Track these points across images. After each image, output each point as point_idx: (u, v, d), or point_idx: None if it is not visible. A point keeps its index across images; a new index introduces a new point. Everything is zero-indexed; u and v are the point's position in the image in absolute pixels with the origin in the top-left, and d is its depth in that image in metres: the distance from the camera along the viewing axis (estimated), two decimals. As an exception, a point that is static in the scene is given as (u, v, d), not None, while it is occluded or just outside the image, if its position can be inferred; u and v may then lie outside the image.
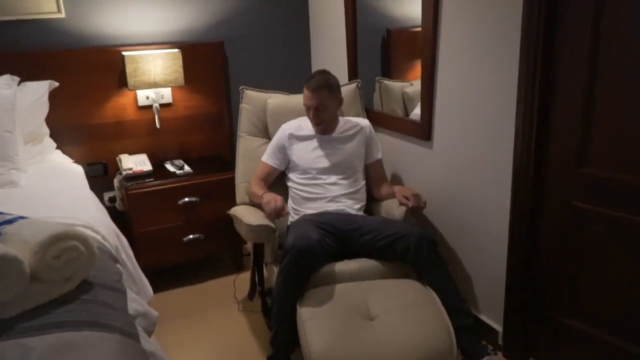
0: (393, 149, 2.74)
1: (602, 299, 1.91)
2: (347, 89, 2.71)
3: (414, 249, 2.03)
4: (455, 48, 2.21)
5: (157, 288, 2.81)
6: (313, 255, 2.01)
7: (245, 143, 2.64)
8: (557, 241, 2.01)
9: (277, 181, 2.52)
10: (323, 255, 2.07)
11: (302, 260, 1.98)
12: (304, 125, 2.48)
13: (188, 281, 2.96)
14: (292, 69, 3.40)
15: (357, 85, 2.75)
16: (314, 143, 2.44)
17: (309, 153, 2.42)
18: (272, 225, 2.19)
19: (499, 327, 2.24)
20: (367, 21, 2.88)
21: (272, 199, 2.21)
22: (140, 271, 2.06)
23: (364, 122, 2.53)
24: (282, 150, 2.47)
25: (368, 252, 2.16)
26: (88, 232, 1.75)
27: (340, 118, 2.50)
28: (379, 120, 2.79)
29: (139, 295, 1.94)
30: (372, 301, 1.97)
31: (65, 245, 1.29)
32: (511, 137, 2.00)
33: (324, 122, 2.39)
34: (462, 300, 2.07)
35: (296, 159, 2.43)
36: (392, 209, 2.35)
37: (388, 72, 2.91)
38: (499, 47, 1.99)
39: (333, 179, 2.38)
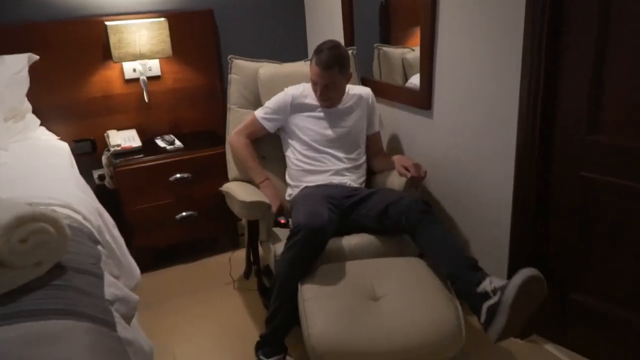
0: (392, 119, 2.62)
1: (613, 273, 1.82)
2: None
3: (405, 211, 1.92)
4: (456, 11, 2.07)
5: (151, 268, 2.78)
6: (325, 235, 1.91)
7: (235, 116, 2.50)
8: (566, 213, 1.91)
9: (274, 153, 2.42)
10: (332, 233, 1.99)
11: (314, 240, 1.87)
12: (308, 92, 2.31)
13: (183, 260, 2.88)
14: (286, 37, 3.25)
15: (352, 53, 2.60)
16: (319, 114, 2.29)
17: (313, 125, 2.29)
18: (267, 200, 2.09)
19: (503, 303, 2.15)
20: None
21: (274, 199, 2.17)
22: (127, 252, 1.96)
23: (366, 90, 2.39)
24: (282, 114, 2.31)
25: (366, 226, 2.07)
26: (67, 211, 1.66)
27: (345, 90, 2.34)
28: (376, 89, 2.61)
29: (125, 277, 1.86)
30: (378, 280, 1.88)
31: (32, 228, 1.19)
32: (515, 104, 1.88)
33: (331, 98, 2.25)
34: (461, 248, 1.89)
35: (299, 130, 2.30)
36: (392, 180, 2.26)
37: (387, 39, 2.76)
38: (503, 9, 1.85)
39: (337, 152, 2.28)
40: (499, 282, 1.69)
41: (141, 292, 2.52)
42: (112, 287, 1.32)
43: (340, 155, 2.28)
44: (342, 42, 2.81)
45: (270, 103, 2.34)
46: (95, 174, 2.90)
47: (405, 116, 2.51)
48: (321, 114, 2.29)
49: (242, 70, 2.52)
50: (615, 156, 1.71)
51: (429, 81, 2.28)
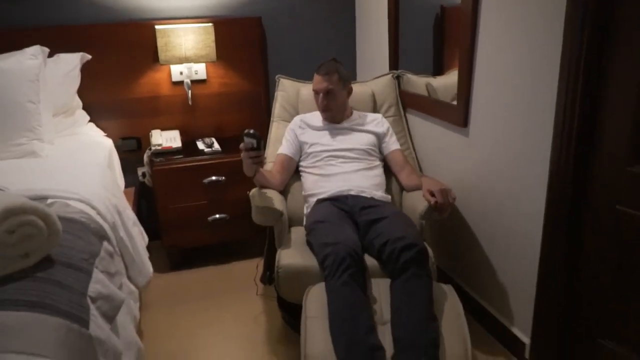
0: (425, 134, 2.55)
1: (647, 321, 1.62)
2: (383, 80, 2.70)
3: (397, 253, 1.80)
4: (496, 28, 1.95)
5: (179, 267, 2.85)
6: (358, 253, 1.84)
7: (277, 127, 2.62)
8: (599, 251, 1.73)
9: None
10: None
11: (354, 264, 1.79)
12: (315, 118, 2.44)
13: (212, 262, 2.91)
14: (334, 50, 3.21)
15: (392, 76, 2.70)
16: (325, 131, 2.39)
17: (320, 139, 2.36)
18: (279, 208, 2.08)
19: (526, 340, 1.99)
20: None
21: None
22: (142, 250, 2.00)
23: (375, 115, 2.49)
24: (294, 138, 2.41)
25: (370, 251, 1.99)
26: (81, 206, 1.72)
27: (354, 112, 2.47)
28: (410, 101, 2.64)
29: (136, 274, 1.90)
30: (387, 302, 1.80)
31: (20, 220, 1.23)
32: (551, 127, 1.74)
33: (332, 109, 2.33)
34: (431, 318, 1.72)
35: (307, 146, 2.37)
36: (415, 203, 2.16)
37: (441, 57, 2.60)
38: (542, 27, 1.72)
39: (346, 159, 2.28)
40: None
41: (164, 291, 2.62)
42: (98, 284, 1.34)
43: (350, 160, 2.28)
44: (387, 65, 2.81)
45: (285, 134, 2.46)
46: (140, 171, 3.01)
47: (440, 132, 2.41)
48: (326, 132, 2.37)
49: (287, 87, 2.68)
50: (657, 191, 1.53)
51: (466, 98, 2.17)
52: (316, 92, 2.32)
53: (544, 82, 1.74)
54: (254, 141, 1.98)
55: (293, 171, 2.41)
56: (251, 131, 1.98)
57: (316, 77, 2.31)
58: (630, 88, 1.53)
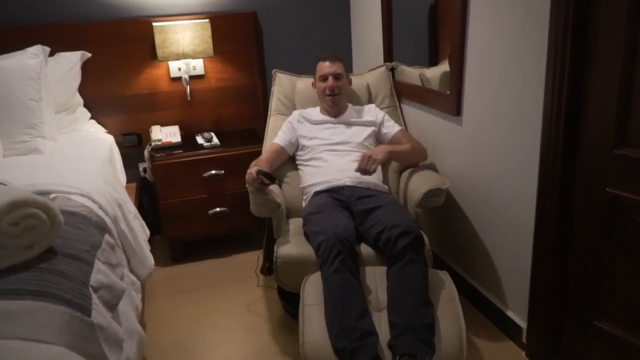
0: (420, 123, 2.59)
1: (638, 301, 1.66)
2: (378, 72, 2.76)
3: (393, 240, 1.84)
4: (485, 17, 1.98)
5: (182, 259, 2.89)
6: (350, 241, 1.88)
7: (275, 120, 2.66)
8: (591, 233, 1.76)
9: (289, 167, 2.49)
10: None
11: (345, 250, 1.83)
12: (314, 112, 2.49)
13: (215, 254, 2.96)
14: (329, 44, 3.23)
15: (386, 68, 2.75)
16: (322, 125, 2.43)
17: (318, 133, 2.41)
18: (276, 200, 2.11)
19: (523, 324, 2.03)
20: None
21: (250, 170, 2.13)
22: (143, 243, 2.05)
23: (370, 107, 2.53)
24: (292, 131, 2.45)
25: (367, 241, 2.04)
26: (82, 200, 1.76)
27: (349, 105, 2.50)
28: (405, 91, 2.68)
29: (137, 266, 1.94)
30: (384, 290, 1.84)
31: (24, 213, 1.27)
32: (539, 114, 1.77)
33: (340, 92, 2.38)
34: (427, 304, 1.76)
35: (305, 140, 2.41)
36: (412, 192, 2.21)
37: (435, 47, 2.63)
38: (529, 14, 1.75)
39: (343, 152, 2.32)
40: None
41: (167, 283, 2.67)
42: (99, 275, 1.38)
43: (347, 154, 2.31)
44: (382, 57, 2.87)
45: (282, 126, 2.50)
46: (141, 166, 3.06)
47: (434, 121, 2.44)
48: (325, 126, 2.42)
49: (283, 82, 2.72)
50: (644, 173, 1.56)
51: (458, 87, 2.20)
52: (324, 77, 2.38)
53: (532, 70, 1.77)
54: (268, 181, 2.07)
55: (282, 162, 2.44)
56: (269, 172, 2.09)
57: (323, 64, 2.40)
58: (613, 72, 1.56)
